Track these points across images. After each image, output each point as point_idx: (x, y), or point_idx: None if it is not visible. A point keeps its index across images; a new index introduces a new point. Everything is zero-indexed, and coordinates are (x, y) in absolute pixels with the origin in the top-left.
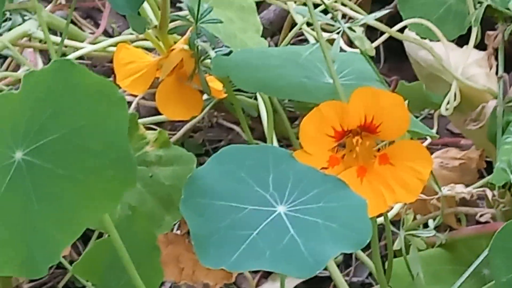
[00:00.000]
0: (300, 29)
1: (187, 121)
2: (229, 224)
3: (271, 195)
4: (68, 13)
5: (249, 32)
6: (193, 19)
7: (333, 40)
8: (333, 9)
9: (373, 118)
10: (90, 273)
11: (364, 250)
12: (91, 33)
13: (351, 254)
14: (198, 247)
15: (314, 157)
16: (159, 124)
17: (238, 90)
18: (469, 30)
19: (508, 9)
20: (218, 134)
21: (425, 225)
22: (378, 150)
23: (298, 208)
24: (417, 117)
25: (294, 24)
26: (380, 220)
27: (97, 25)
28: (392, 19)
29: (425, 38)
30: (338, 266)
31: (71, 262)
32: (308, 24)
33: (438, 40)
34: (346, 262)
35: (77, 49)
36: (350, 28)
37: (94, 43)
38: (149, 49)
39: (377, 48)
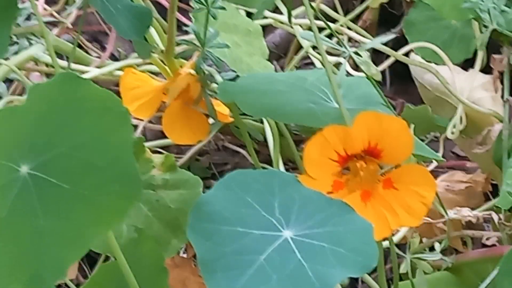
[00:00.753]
0: (306, 52)
1: (193, 145)
2: (235, 249)
3: (277, 220)
4: (74, 37)
5: (255, 56)
6: (199, 43)
7: (339, 63)
8: (339, 32)
9: (377, 142)
10: None
11: (370, 273)
12: (97, 57)
13: (357, 278)
14: (205, 271)
15: (318, 182)
16: (165, 147)
17: (244, 114)
18: (475, 53)
19: None
20: (225, 158)
21: (431, 249)
22: (383, 174)
23: (304, 233)
24: (423, 140)
25: (300, 47)
26: (386, 243)
27: (103, 48)
28: (398, 42)
29: (430, 62)
30: None
31: (77, 285)
32: (314, 48)
33: (444, 64)
34: (352, 285)
35: (83, 72)
36: (356, 52)
37: (100, 67)
38: (155, 73)
39: (383, 71)
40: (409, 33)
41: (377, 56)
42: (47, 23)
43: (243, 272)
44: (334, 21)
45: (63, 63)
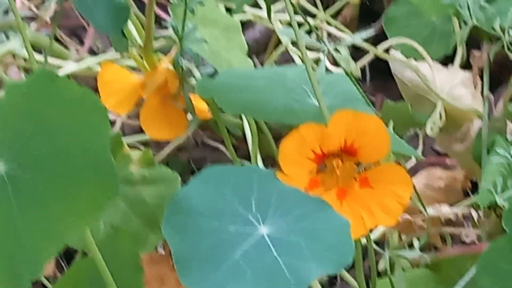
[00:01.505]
0: (286, 48)
1: (172, 141)
2: (211, 245)
3: (254, 216)
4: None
5: (234, 51)
6: (177, 38)
7: (319, 59)
8: (318, 28)
9: (353, 141)
10: None
11: (348, 270)
12: (76, 51)
13: (335, 275)
14: (179, 267)
15: (294, 179)
16: (144, 143)
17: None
18: (454, 49)
19: (493, 29)
20: (204, 154)
21: (411, 245)
22: (361, 172)
23: (280, 229)
24: (402, 136)
25: (279, 42)
26: (365, 240)
27: (82, 43)
28: (378, 38)
29: (410, 58)
30: (322, 286)
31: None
32: (293, 43)
33: (424, 60)
34: (330, 282)
35: (61, 67)
36: (335, 48)
37: (78, 62)
38: (135, 68)
39: (363, 67)
40: (389, 29)
41: (356, 51)
42: (26, 17)
43: (217, 268)
44: (314, 16)
45: (42, 57)
